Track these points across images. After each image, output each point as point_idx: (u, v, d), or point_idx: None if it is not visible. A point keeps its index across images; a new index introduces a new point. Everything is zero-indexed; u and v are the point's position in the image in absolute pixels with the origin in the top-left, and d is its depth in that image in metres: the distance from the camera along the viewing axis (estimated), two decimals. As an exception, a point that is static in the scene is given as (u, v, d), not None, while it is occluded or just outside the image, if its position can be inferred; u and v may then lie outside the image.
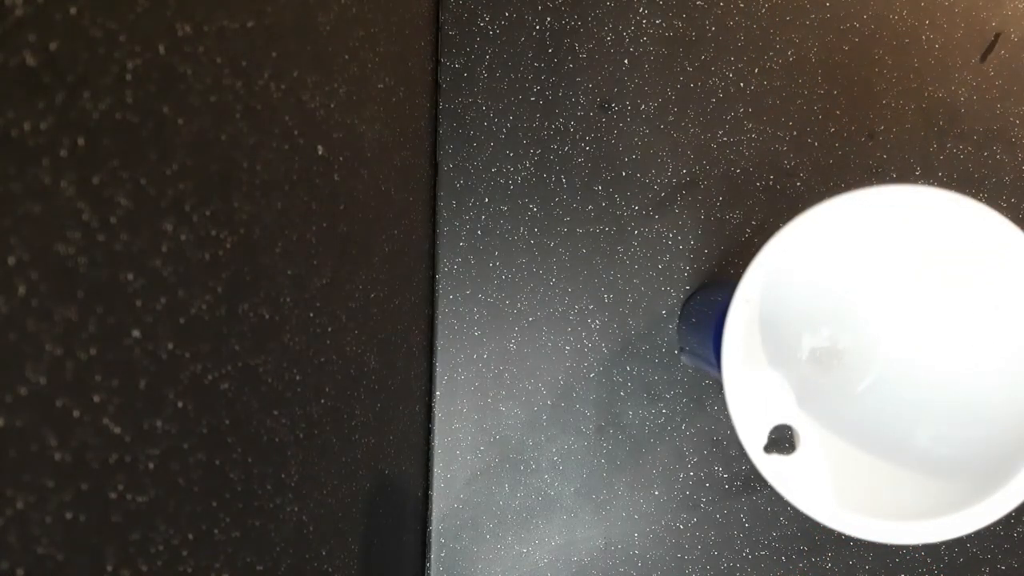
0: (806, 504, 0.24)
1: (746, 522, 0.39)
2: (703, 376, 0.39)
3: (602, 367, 0.40)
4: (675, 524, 0.39)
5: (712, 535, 0.39)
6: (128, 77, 0.17)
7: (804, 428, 0.27)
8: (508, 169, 0.40)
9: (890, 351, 0.30)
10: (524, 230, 0.40)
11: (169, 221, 0.18)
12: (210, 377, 0.21)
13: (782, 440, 0.26)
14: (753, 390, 0.24)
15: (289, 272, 0.25)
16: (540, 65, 0.40)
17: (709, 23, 0.40)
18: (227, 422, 0.22)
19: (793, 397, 0.29)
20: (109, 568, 0.17)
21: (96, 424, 0.16)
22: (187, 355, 0.19)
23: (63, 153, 0.15)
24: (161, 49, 0.18)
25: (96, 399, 0.16)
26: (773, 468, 0.24)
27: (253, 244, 0.22)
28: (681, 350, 0.39)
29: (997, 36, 0.37)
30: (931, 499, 0.24)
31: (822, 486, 0.24)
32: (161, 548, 0.18)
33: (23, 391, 0.14)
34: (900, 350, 0.29)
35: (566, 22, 0.40)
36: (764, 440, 0.24)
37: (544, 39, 0.40)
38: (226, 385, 0.21)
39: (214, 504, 0.21)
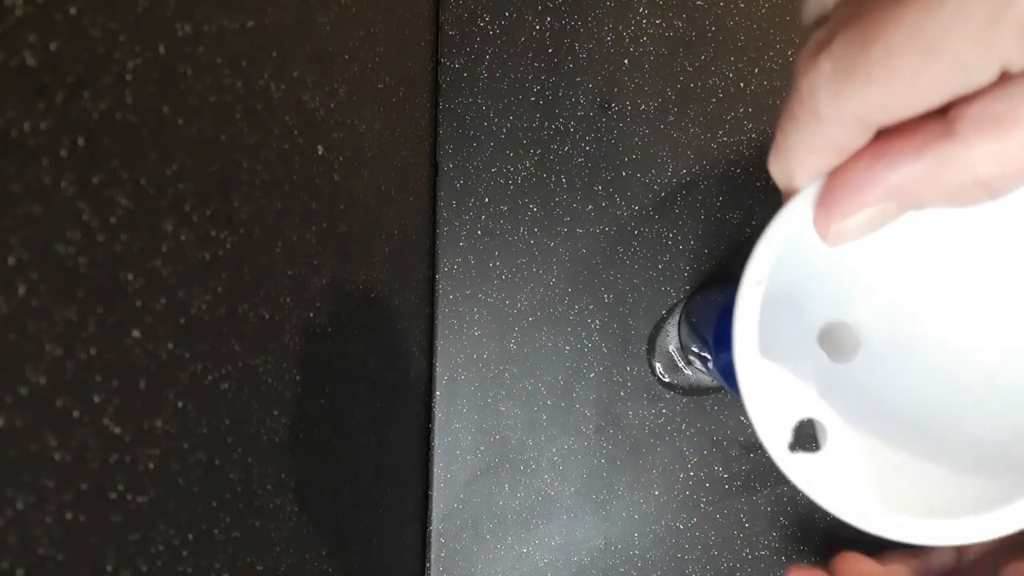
0: (841, 507, 0.21)
1: (746, 522, 0.39)
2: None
3: (602, 367, 0.40)
4: (675, 524, 0.39)
5: (712, 535, 0.39)
6: (128, 77, 0.17)
7: (830, 423, 0.24)
8: (508, 169, 0.40)
9: (921, 331, 0.26)
10: (524, 230, 0.40)
11: (169, 221, 0.18)
12: (210, 377, 0.21)
13: (805, 437, 0.23)
14: (770, 384, 0.22)
15: (289, 272, 0.25)
16: (540, 65, 0.40)
17: (709, 23, 0.40)
18: (227, 422, 0.22)
19: (814, 389, 0.26)
20: (109, 568, 0.17)
21: (96, 424, 0.16)
22: (187, 355, 0.19)
23: (63, 153, 0.15)
24: (161, 49, 0.18)
25: (96, 399, 0.16)
26: (800, 469, 0.21)
27: (253, 244, 0.22)
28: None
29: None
30: (980, 493, 0.21)
31: (857, 486, 0.22)
32: (161, 548, 0.18)
33: (23, 391, 0.14)
34: (933, 330, 0.26)
35: (566, 22, 0.40)
36: (788, 438, 0.22)
37: (544, 39, 0.40)
38: (226, 385, 0.21)
39: (214, 504, 0.21)
